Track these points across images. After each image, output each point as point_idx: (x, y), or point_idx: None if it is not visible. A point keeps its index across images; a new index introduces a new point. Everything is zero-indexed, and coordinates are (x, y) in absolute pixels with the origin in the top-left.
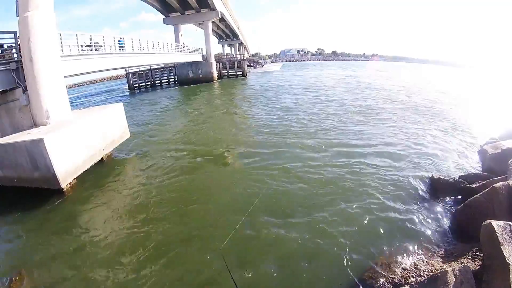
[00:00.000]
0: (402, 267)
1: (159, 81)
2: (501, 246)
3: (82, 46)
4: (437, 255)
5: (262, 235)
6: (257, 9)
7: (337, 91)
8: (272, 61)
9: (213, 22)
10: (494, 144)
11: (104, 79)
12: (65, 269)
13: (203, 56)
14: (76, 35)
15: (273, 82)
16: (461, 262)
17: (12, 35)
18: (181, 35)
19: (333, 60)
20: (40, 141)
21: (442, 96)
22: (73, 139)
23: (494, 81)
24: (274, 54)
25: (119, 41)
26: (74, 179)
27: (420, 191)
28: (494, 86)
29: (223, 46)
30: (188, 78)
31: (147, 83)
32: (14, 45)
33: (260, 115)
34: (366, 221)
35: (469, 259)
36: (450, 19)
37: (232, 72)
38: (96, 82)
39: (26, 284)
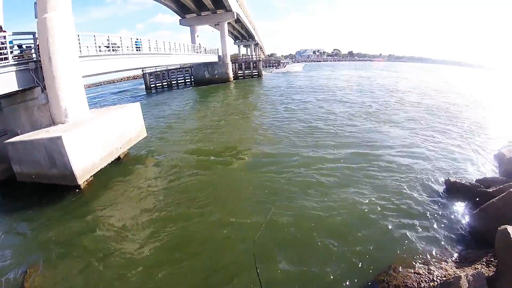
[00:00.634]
0: (415, 271)
1: (175, 82)
2: None
3: (100, 47)
4: (451, 260)
5: (279, 236)
6: (273, 11)
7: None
8: (293, 62)
9: (228, 23)
10: None
11: (122, 79)
12: (79, 266)
13: (219, 57)
14: (94, 36)
15: (302, 82)
16: (475, 268)
17: (31, 36)
18: (197, 36)
19: (349, 61)
20: (59, 138)
21: (460, 98)
22: (91, 138)
23: None
24: (290, 54)
25: (136, 42)
26: (91, 176)
27: (435, 195)
28: None
29: (239, 46)
30: (204, 79)
31: (163, 84)
32: (33, 45)
33: (278, 115)
34: (381, 224)
35: (483, 264)
36: (470, 20)
37: (247, 72)
38: (114, 82)
39: (40, 278)
